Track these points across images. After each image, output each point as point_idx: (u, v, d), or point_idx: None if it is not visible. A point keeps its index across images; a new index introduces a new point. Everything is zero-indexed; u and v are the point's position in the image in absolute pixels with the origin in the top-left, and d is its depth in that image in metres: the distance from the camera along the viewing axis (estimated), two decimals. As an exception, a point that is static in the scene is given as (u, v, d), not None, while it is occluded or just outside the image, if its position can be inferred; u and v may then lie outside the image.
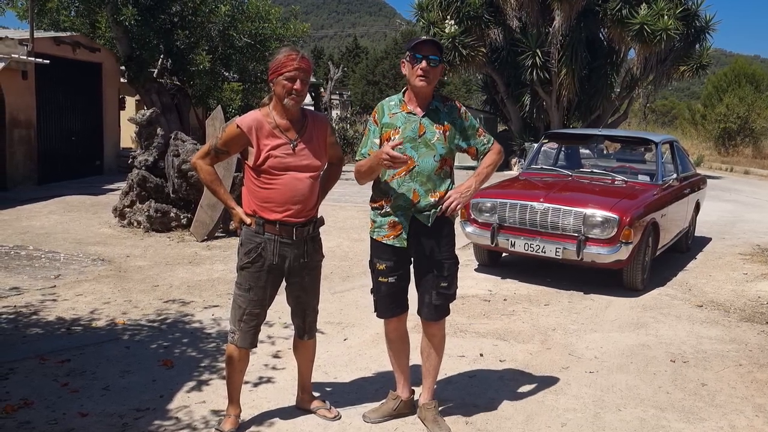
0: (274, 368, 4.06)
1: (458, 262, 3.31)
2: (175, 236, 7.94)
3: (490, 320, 5.21)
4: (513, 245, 6.32)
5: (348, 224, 9.64)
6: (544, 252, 6.13)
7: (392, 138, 3.15)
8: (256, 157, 3.01)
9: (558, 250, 6.05)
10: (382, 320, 3.44)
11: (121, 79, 15.44)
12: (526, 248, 6.23)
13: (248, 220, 3.07)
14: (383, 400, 3.52)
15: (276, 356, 4.24)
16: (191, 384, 3.73)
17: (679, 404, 3.72)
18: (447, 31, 19.01)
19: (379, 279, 3.33)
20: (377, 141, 3.23)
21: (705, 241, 9.06)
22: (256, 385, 3.81)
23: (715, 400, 3.81)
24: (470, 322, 5.13)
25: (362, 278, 6.44)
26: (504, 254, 7.10)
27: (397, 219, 3.21)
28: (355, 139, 26.40)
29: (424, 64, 3.10)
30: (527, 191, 6.72)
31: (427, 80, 3.13)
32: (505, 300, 5.83)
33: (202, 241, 7.77)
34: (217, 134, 3.04)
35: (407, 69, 3.20)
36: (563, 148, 8.64)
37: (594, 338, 4.82)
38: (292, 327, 4.76)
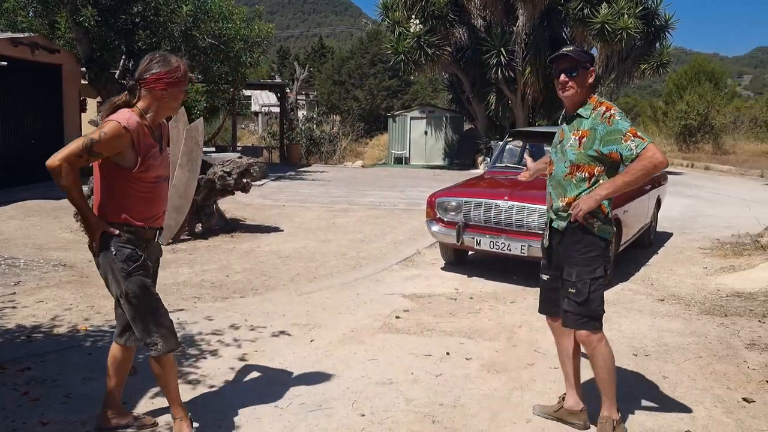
0: (240, 371, 4.02)
1: (595, 273, 3.17)
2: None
3: (457, 318, 5.25)
4: (479, 243, 6.37)
5: (314, 225, 9.61)
6: (510, 250, 6.19)
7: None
8: (140, 162, 2.86)
9: (523, 247, 6.11)
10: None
11: (82, 81, 15.17)
12: (491, 246, 6.29)
13: (115, 232, 2.88)
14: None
15: (242, 359, 4.21)
16: (155, 390, 3.68)
17: (641, 397, 3.79)
18: (412, 30, 19.09)
19: (540, 273, 3.48)
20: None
21: (667, 236, 9.25)
22: (221, 389, 3.77)
23: (676, 392, 3.89)
24: (437, 320, 5.16)
25: (328, 279, 6.44)
26: (470, 253, 7.16)
27: (546, 219, 3.44)
28: (322, 139, 26.39)
29: (563, 78, 3.19)
30: (492, 189, 6.78)
31: (567, 92, 3.21)
32: (471, 298, 5.87)
33: (167, 244, 7.66)
34: (93, 135, 2.76)
35: (555, 83, 3.30)
36: (528, 146, 8.73)
37: (559, 334, 4.88)
38: (258, 329, 4.79)
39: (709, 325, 5.20)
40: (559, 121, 3.44)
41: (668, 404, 3.70)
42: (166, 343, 2.97)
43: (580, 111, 3.23)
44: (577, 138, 3.21)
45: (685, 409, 3.64)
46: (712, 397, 3.81)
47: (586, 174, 3.19)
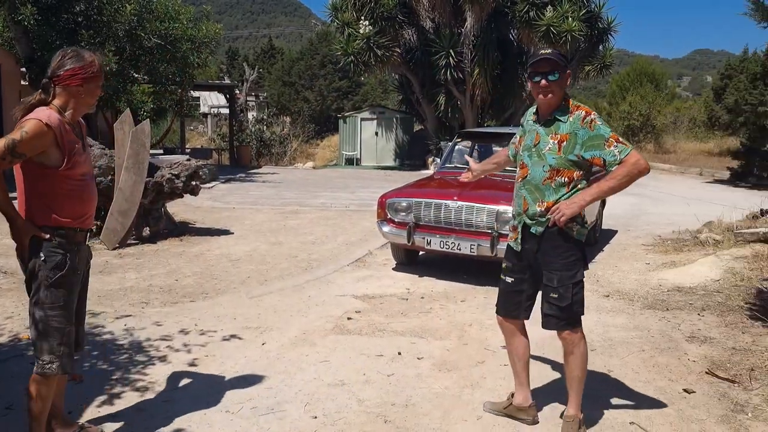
0: (190, 376, 3.97)
1: (576, 277, 3.20)
2: (88, 245, 7.63)
3: (408, 318, 5.28)
4: (429, 243, 6.43)
5: (265, 227, 9.54)
6: (460, 249, 6.26)
7: (521, 144, 3.37)
8: (65, 161, 2.78)
9: (473, 246, 6.20)
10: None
11: (22, 82, 14.69)
12: (441, 246, 6.36)
13: (46, 236, 2.79)
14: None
15: (192, 364, 4.16)
16: (102, 398, 3.61)
17: (587, 391, 3.87)
18: (361, 31, 19.14)
19: (501, 276, 3.47)
20: (517, 138, 3.50)
21: (611, 233, 9.50)
22: (171, 395, 3.71)
23: (621, 385, 4.00)
24: (388, 321, 5.19)
25: (280, 282, 6.41)
26: (421, 253, 7.21)
27: (515, 223, 3.36)
28: (272, 141, 26.19)
29: (543, 83, 3.14)
30: (441, 190, 6.84)
31: (549, 96, 3.17)
32: (422, 298, 5.92)
33: (114, 249, 7.51)
34: (14, 136, 2.65)
35: (530, 86, 3.25)
36: (477, 147, 8.84)
37: (508, 331, 4.96)
38: (209, 333, 4.73)
39: (651, 320, 5.37)
40: (527, 122, 3.39)
41: (613, 397, 3.80)
42: (64, 363, 2.83)
43: (557, 114, 3.20)
44: (556, 142, 3.17)
45: (630, 402, 3.75)
46: (655, 389, 3.93)
47: (566, 179, 3.17)
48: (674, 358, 4.45)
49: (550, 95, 3.17)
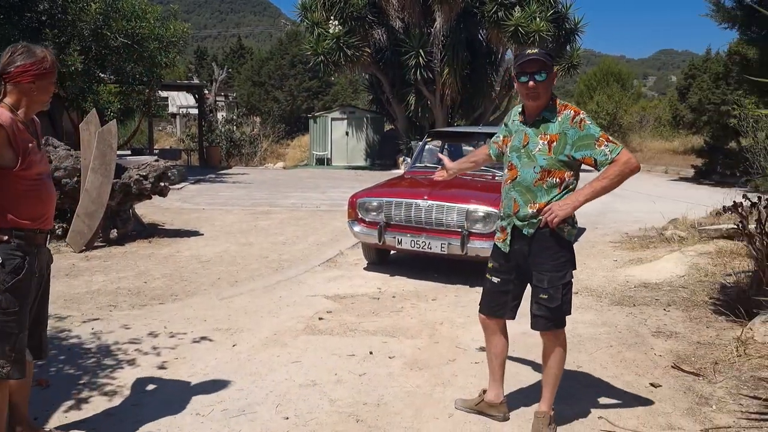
0: (160, 379, 3.93)
1: (566, 278, 3.20)
2: (50, 248, 7.50)
3: (380, 318, 5.29)
4: (400, 243, 6.45)
5: (235, 228, 9.48)
6: (430, 248, 6.29)
7: (507, 145, 3.32)
8: (20, 161, 2.70)
9: (443, 245, 6.23)
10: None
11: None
12: (412, 245, 6.38)
13: (4, 238, 2.70)
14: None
15: (161, 367, 4.11)
16: (69, 403, 3.55)
17: (558, 388, 3.93)
18: (331, 31, 19.11)
19: (486, 275, 3.46)
20: (501, 138, 3.46)
21: (579, 231, 9.60)
22: (140, 399, 3.67)
23: (589, 380, 4.06)
24: (360, 320, 5.19)
25: (250, 283, 6.37)
26: (392, 252, 7.23)
27: (503, 224, 3.30)
28: (242, 141, 26.00)
29: (531, 84, 3.10)
30: (412, 189, 6.87)
31: (535, 97, 3.13)
32: (393, 297, 5.94)
33: (81, 251, 7.39)
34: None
35: (516, 85, 3.21)
36: (447, 146, 8.89)
37: (480, 330, 4.92)
38: (179, 336, 4.69)
39: (619, 315, 5.45)
40: (513, 123, 3.35)
41: (582, 393, 3.86)
42: (14, 369, 2.75)
43: (545, 114, 3.17)
44: (546, 143, 3.13)
45: (598, 397, 3.80)
46: (623, 384, 4.00)
47: (557, 180, 3.14)
48: (641, 353, 4.53)
49: (539, 96, 3.13)
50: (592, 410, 3.61)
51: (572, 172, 3.18)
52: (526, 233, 3.21)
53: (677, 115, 23.70)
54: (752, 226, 5.46)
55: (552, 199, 3.14)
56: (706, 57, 23.95)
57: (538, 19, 17.91)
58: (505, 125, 3.45)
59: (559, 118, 3.14)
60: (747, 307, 5.00)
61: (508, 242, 3.29)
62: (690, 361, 4.35)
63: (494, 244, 3.42)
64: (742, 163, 11.43)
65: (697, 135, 23.91)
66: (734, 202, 5.66)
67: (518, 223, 3.22)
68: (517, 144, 3.25)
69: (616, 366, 4.30)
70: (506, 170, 3.32)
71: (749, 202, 5.44)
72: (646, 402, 3.72)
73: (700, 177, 19.73)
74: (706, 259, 6.95)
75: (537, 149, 3.15)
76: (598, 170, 3.12)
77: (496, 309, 3.43)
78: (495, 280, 3.40)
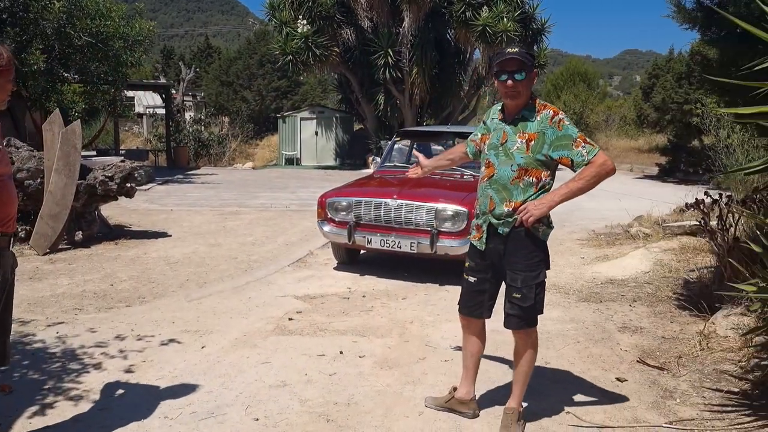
0: (127, 383, 3.88)
1: (539, 278, 3.22)
2: (13, 251, 7.34)
3: (350, 317, 5.29)
4: (370, 242, 6.46)
5: (204, 229, 9.39)
6: (400, 247, 6.31)
7: (486, 143, 3.33)
8: None
9: (413, 244, 6.25)
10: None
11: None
12: (382, 244, 6.39)
13: None
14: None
15: (129, 371, 4.05)
16: (33, 409, 3.48)
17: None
18: (300, 30, 19.03)
19: (464, 275, 3.45)
20: (479, 136, 3.47)
21: (547, 229, 9.71)
22: (107, 403, 3.61)
23: (557, 376, 4.11)
24: (330, 320, 5.18)
25: (219, 284, 6.32)
26: (362, 251, 7.24)
27: (479, 222, 3.30)
28: (211, 141, 25.74)
29: (510, 83, 3.09)
30: (381, 188, 6.88)
31: (514, 96, 3.14)
32: (363, 296, 5.94)
33: (45, 254, 7.26)
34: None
35: (496, 83, 3.20)
36: (416, 146, 8.92)
37: (449, 328, 5.02)
38: (146, 338, 4.63)
39: (586, 312, 5.53)
40: (492, 121, 3.36)
41: (551, 389, 3.91)
42: None
43: (525, 113, 3.18)
44: (524, 141, 3.14)
45: (566, 392, 3.86)
46: (590, 379, 4.06)
47: (534, 179, 3.15)
48: (607, 348, 4.61)
49: (519, 96, 3.14)
50: (560, 405, 3.65)
51: (549, 172, 3.20)
52: (501, 232, 3.22)
53: (642, 114, 24.09)
54: (714, 223, 5.58)
55: (528, 198, 3.15)
56: (669, 57, 24.38)
57: (505, 19, 18.06)
58: (484, 123, 3.47)
59: (539, 118, 3.16)
60: (709, 302, 5.11)
61: (484, 240, 3.30)
62: (655, 356, 4.44)
63: (470, 242, 3.44)
64: (705, 160, 11.67)
65: (661, 133, 24.35)
66: (696, 199, 5.78)
67: (494, 221, 3.24)
68: (495, 142, 3.27)
69: (583, 361, 4.37)
70: (483, 168, 3.33)
71: (711, 200, 5.55)
72: (613, 396, 3.78)
73: (664, 175, 20.11)
74: (670, 255, 7.09)
75: (515, 147, 3.16)
76: (575, 171, 3.14)
77: (474, 308, 3.44)
78: (472, 279, 3.41)
